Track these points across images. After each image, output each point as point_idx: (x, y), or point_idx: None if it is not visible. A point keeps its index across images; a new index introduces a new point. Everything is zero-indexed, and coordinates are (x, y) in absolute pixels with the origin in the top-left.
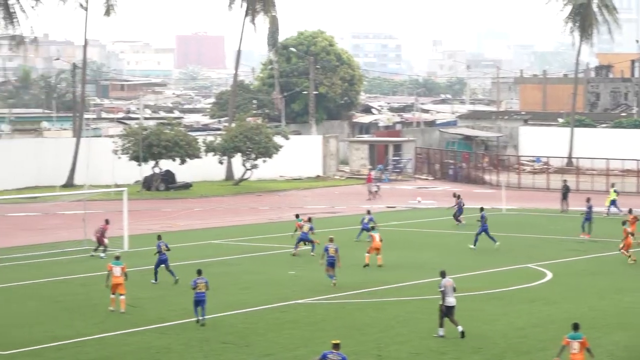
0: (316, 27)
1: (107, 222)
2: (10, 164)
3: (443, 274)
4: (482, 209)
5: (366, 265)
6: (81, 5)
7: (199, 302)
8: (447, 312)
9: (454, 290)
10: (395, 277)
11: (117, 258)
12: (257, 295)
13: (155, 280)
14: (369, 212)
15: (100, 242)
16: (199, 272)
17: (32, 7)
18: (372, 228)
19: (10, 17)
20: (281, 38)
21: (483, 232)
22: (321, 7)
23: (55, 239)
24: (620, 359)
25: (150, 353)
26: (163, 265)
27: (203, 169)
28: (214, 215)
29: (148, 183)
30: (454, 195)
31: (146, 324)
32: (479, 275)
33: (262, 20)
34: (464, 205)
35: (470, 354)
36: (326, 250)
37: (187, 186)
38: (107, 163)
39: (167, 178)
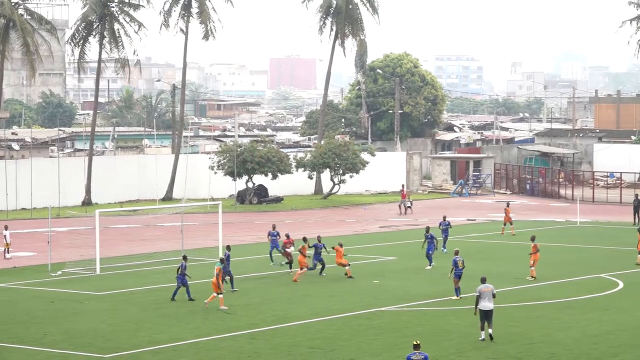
0: (402, 49)
1: (287, 236)
2: (114, 179)
3: (483, 280)
4: (427, 229)
5: None
6: (182, 30)
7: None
8: (484, 316)
9: (494, 296)
10: (476, 286)
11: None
12: (343, 303)
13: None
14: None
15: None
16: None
17: (136, 31)
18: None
19: (115, 41)
20: (369, 60)
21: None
22: (406, 31)
23: (155, 249)
24: None
25: (241, 357)
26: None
27: (293, 183)
28: (304, 227)
29: (242, 197)
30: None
31: (238, 329)
32: (554, 285)
33: (351, 43)
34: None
35: (545, 359)
36: None
37: (278, 200)
38: (204, 178)
39: (260, 192)
